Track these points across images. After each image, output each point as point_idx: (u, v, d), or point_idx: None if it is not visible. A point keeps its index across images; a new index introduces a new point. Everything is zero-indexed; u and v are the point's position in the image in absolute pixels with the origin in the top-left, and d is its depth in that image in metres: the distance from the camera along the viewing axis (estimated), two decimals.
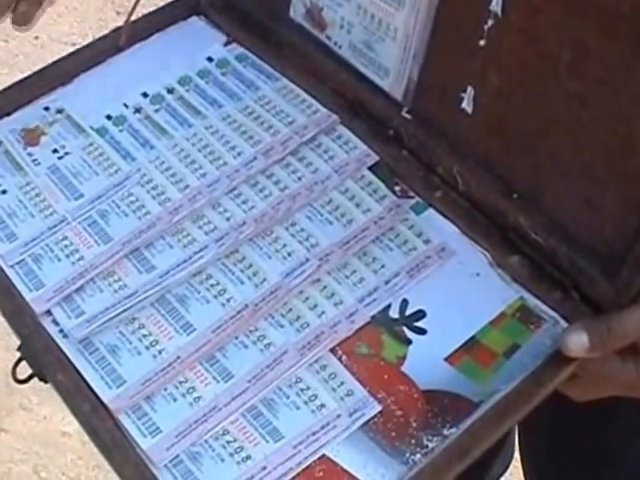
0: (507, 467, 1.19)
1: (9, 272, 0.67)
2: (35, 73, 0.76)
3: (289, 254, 0.66)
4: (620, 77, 0.58)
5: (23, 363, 0.65)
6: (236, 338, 0.63)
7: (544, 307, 0.64)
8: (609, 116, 0.59)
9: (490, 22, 0.62)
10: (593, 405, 0.67)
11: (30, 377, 0.65)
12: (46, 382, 0.64)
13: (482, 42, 0.64)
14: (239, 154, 0.71)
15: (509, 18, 0.62)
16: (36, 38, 2.27)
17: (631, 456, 0.82)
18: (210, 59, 0.77)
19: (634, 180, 0.60)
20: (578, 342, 0.60)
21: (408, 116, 0.69)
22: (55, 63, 0.77)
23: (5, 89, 0.75)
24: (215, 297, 0.65)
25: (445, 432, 0.59)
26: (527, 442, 0.92)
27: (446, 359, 0.62)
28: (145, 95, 0.75)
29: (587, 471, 0.84)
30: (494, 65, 0.64)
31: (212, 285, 0.65)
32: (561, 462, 0.85)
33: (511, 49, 0.63)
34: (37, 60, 2.14)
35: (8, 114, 0.75)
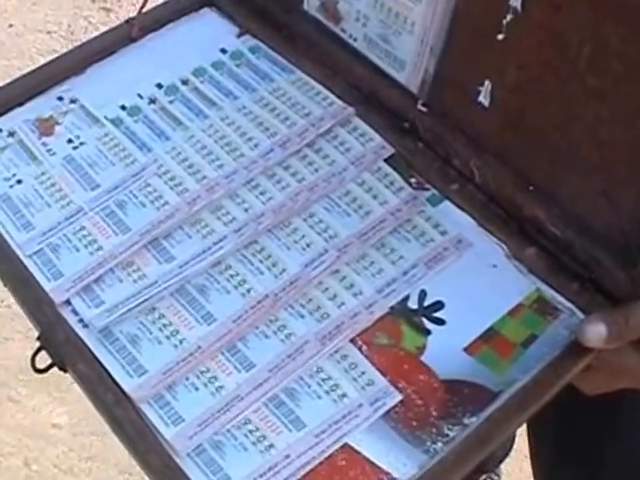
0: (509, 450, 1.21)
1: (27, 262, 0.67)
2: (46, 63, 0.76)
3: (308, 245, 0.67)
4: None
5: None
6: (257, 328, 0.64)
7: (561, 298, 0.65)
8: (628, 112, 0.60)
9: (509, 17, 0.63)
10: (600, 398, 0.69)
11: (50, 366, 0.65)
12: (66, 371, 0.65)
13: (500, 37, 0.64)
14: (256, 145, 0.71)
15: (528, 13, 0.63)
16: (10, 26, 2.25)
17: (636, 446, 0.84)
18: (224, 51, 0.77)
19: None
20: (596, 332, 0.61)
21: (424, 109, 0.70)
22: (66, 54, 0.77)
23: (17, 79, 0.75)
24: (235, 287, 0.65)
25: (465, 421, 0.60)
26: (535, 432, 0.93)
27: (465, 349, 0.63)
28: (159, 86, 0.75)
29: (594, 461, 0.85)
30: (512, 60, 0.65)
31: (232, 275, 0.66)
32: (568, 453, 0.86)
33: (530, 44, 0.64)
34: (12, 48, 2.14)
35: (21, 104, 0.75)
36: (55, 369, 0.65)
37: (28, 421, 1.65)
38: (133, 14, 0.77)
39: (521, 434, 1.36)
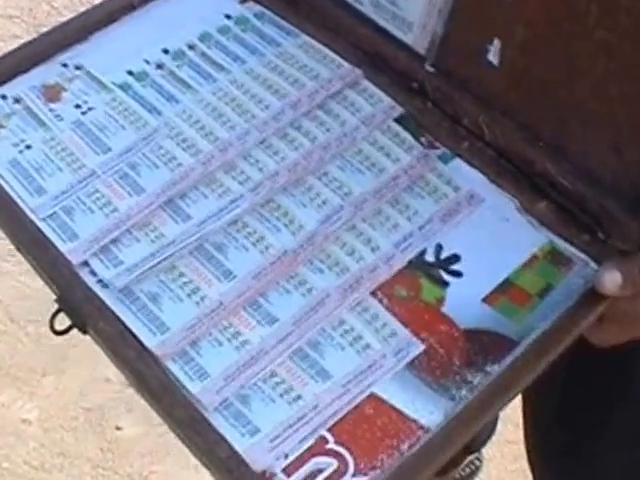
0: (492, 433, 1.22)
1: (41, 225, 0.67)
2: (47, 32, 0.76)
3: (323, 202, 0.67)
4: None
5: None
6: (277, 284, 0.64)
7: (574, 250, 0.66)
8: (637, 67, 0.62)
9: None
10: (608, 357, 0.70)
11: (69, 328, 0.65)
12: (85, 333, 0.64)
13: None
14: (267, 107, 0.72)
15: None
16: None
17: None
18: (228, 17, 0.78)
19: None
20: (612, 280, 0.63)
21: (432, 69, 0.71)
22: (67, 22, 0.76)
23: (20, 47, 0.75)
24: (253, 245, 0.66)
25: (488, 369, 0.61)
26: (537, 394, 0.94)
27: (483, 300, 0.64)
28: (166, 51, 0.75)
29: (597, 425, 0.87)
30: (521, 18, 0.66)
31: (250, 233, 0.66)
32: (573, 421, 0.87)
33: (539, 2, 0.65)
34: None
35: (25, 71, 0.74)
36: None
37: None
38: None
39: (502, 419, 1.37)
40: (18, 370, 1.64)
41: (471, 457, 1.24)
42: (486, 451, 1.43)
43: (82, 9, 0.79)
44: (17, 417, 1.60)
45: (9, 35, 2.09)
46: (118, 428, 1.58)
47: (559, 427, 0.88)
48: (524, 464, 0.98)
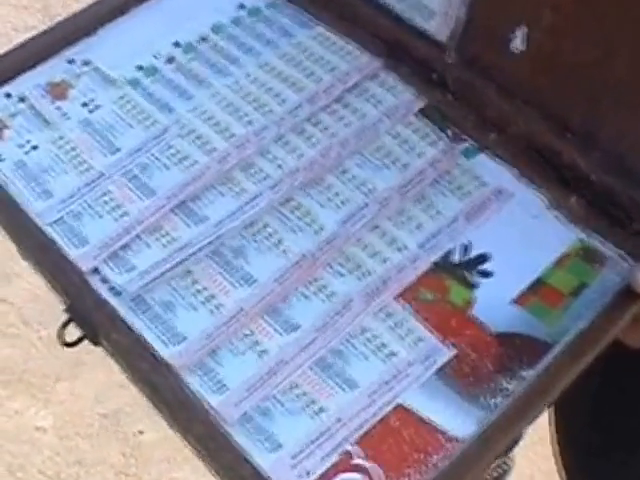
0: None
1: (48, 231, 0.64)
2: (54, 26, 0.73)
3: (344, 202, 0.64)
4: None
5: None
6: (296, 289, 0.61)
7: (607, 245, 0.63)
8: None
9: None
10: None
11: (80, 339, 0.62)
12: (96, 344, 0.62)
13: None
14: (283, 101, 0.69)
15: None
16: None
17: None
18: (242, 7, 0.74)
19: None
20: None
21: (454, 59, 0.68)
22: (74, 16, 0.73)
23: (24, 43, 0.72)
24: (273, 247, 0.63)
25: (523, 374, 0.58)
26: (567, 405, 0.91)
27: (514, 301, 0.61)
28: (177, 44, 0.72)
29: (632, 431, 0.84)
30: (547, 3, 0.63)
31: (269, 235, 0.63)
32: (607, 429, 0.84)
33: None
34: None
35: (30, 68, 0.71)
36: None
37: (10, 425, 1.57)
38: None
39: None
40: (32, 376, 1.60)
41: (500, 460, 1.20)
42: (518, 450, 1.40)
43: None
44: (31, 425, 1.56)
45: (24, 26, 2.05)
46: (140, 432, 1.55)
47: (592, 429, 0.85)
48: None
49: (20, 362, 1.62)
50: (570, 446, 0.89)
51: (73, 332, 0.63)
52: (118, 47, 0.72)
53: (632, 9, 0.59)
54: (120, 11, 0.73)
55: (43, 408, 1.59)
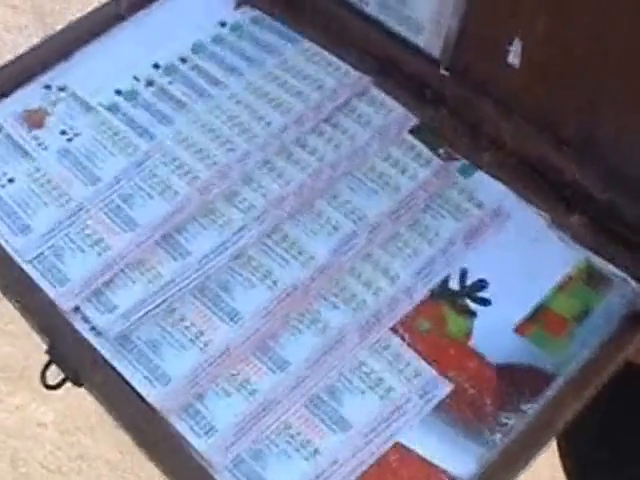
0: None
1: (27, 268, 0.61)
2: (31, 49, 0.70)
3: (335, 228, 0.61)
4: None
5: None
6: (288, 323, 0.58)
7: (612, 267, 0.60)
8: None
9: None
10: None
11: (62, 382, 0.60)
12: (81, 386, 0.59)
13: None
14: (268, 124, 0.66)
15: None
16: None
17: None
18: (223, 23, 0.71)
19: None
20: None
21: (447, 73, 0.65)
22: (51, 37, 0.70)
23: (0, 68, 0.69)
24: (260, 280, 0.60)
25: (524, 408, 0.55)
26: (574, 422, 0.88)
27: (515, 330, 0.58)
28: (157, 66, 0.69)
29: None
30: (542, 9, 0.60)
31: (255, 268, 0.60)
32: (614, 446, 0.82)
33: None
34: None
35: (5, 95, 0.68)
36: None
37: (12, 421, 1.56)
38: None
39: None
40: (32, 373, 1.59)
41: None
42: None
43: None
44: (33, 420, 1.55)
45: (15, 25, 2.01)
46: None
47: (600, 448, 0.82)
48: None
49: (20, 359, 1.61)
50: (578, 463, 0.86)
51: (58, 372, 0.61)
52: (96, 70, 0.69)
53: (624, 17, 0.56)
54: (98, 32, 0.70)
55: (44, 404, 1.58)
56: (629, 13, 0.57)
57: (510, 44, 0.61)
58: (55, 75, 0.69)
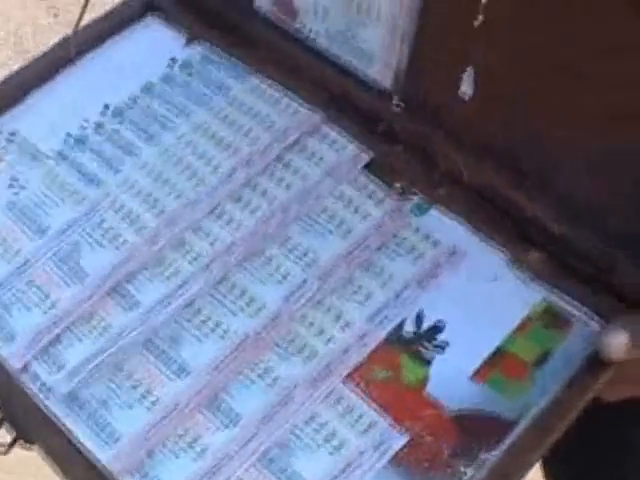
0: None
1: None
2: None
3: (285, 276, 0.60)
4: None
5: None
6: (239, 375, 0.57)
7: (572, 305, 0.58)
8: (624, 89, 0.54)
9: None
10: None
11: (14, 442, 0.58)
12: (33, 444, 0.58)
13: (480, 17, 0.57)
14: (216, 167, 0.64)
15: None
16: None
17: None
18: (173, 60, 0.69)
19: None
20: (618, 344, 0.54)
21: (400, 106, 0.63)
22: (3, 82, 0.69)
23: None
24: (210, 332, 0.58)
25: (483, 457, 0.54)
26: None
27: (473, 376, 0.56)
28: (106, 108, 0.68)
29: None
30: (493, 42, 0.58)
31: (205, 319, 0.59)
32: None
33: (510, 23, 0.56)
34: None
35: None
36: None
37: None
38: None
39: None
40: (27, 456, 1.54)
41: None
42: None
43: (68, 30, 0.71)
44: None
45: None
46: None
47: (568, 468, 0.81)
48: None
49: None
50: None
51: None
52: (46, 115, 0.68)
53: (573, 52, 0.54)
54: (48, 76, 0.69)
55: None
56: (577, 48, 0.55)
57: (463, 72, 0.59)
58: (5, 121, 0.68)
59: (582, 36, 0.54)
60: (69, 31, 0.70)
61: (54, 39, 0.72)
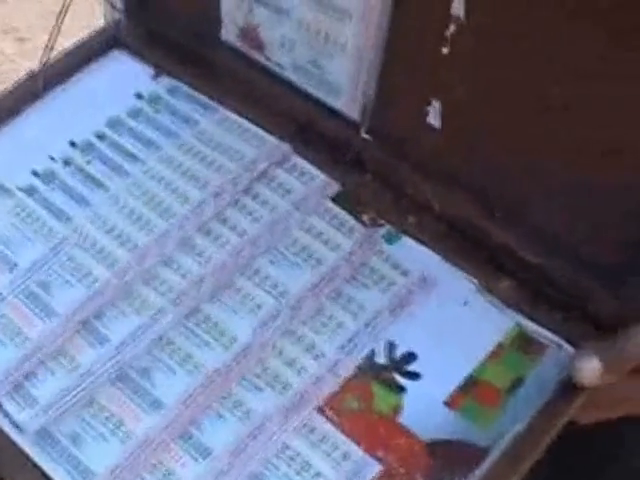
0: None
1: None
2: None
3: (256, 307, 0.60)
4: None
5: None
6: (210, 408, 0.57)
7: (544, 332, 0.58)
8: (593, 120, 0.54)
9: (452, 27, 0.56)
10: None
11: None
12: None
13: (445, 50, 0.57)
14: (186, 200, 0.64)
15: (473, 22, 0.56)
16: None
17: None
18: (139, 96, 0.69)
19: (628, 184, 0.54)
20: (590, 369, 0.54)
21: (367, 137, 0.63)
22: None
23: None
24: (180, 365, 0.58)
25: None
26: None
27: (445, 403, 0.56)
28: (73, 144, 0.67)
29: None
30: (460, 74, 0.58)
31: (175, 352, 0.58)
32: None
33: (475, 55, 0.57)
34: None
35: None
36: None
37: None
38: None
39: None
40: None
41: None
42: None
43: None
44: None
45: None
46: None
47: None
48: None
49: None
50: None
51: None
52: (13, 151, 0.67)
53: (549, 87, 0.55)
54: (14, 111, 0.68)
55: None
56: (542, 81, 0.55)
57: (429, 105, 0.60)
58: None
59: (545, 69, 0.55)
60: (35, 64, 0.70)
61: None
